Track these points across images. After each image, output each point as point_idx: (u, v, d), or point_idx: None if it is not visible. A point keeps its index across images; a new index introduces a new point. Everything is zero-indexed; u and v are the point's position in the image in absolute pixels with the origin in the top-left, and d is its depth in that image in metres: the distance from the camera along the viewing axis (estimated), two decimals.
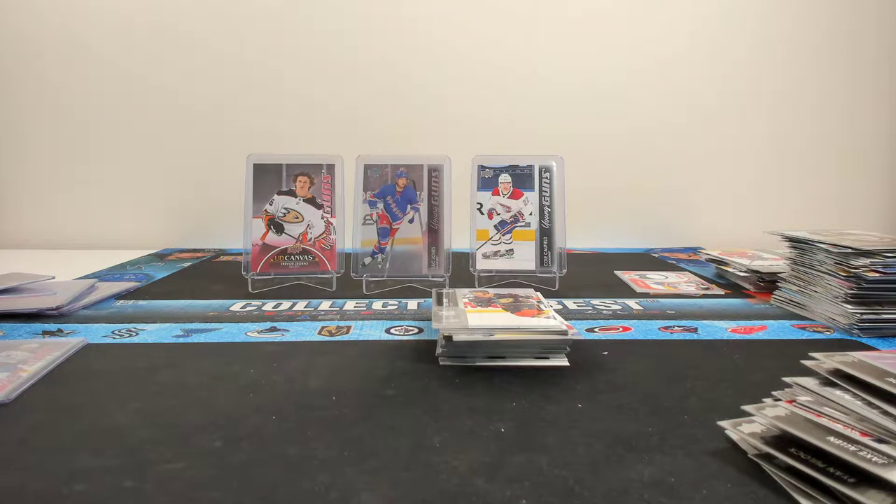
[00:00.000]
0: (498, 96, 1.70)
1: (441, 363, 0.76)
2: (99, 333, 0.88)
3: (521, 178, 1.17)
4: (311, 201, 1.15)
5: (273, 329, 0.91)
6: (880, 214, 1.79)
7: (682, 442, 0.56)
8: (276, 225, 1.14)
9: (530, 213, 1.17)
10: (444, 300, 0.89)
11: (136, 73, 1.65)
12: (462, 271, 1.17)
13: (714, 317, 0.99)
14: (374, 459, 0.53)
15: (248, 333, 0.89)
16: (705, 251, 1.40)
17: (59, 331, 0.89)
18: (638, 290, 1.18)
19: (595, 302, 1.09)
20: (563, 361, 0.76)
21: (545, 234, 1.16)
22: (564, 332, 0.75)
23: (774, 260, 1.22)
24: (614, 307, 1.05)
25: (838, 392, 0.52)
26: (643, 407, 0.64)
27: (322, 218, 1.15)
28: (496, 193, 1.17)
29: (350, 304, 1.06)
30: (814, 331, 0.92)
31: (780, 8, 1.70)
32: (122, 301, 1.08)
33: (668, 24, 1.69)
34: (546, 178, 1.17)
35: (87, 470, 0.51)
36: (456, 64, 1.69)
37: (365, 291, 1.13)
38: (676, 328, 0.93)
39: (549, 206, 1.17)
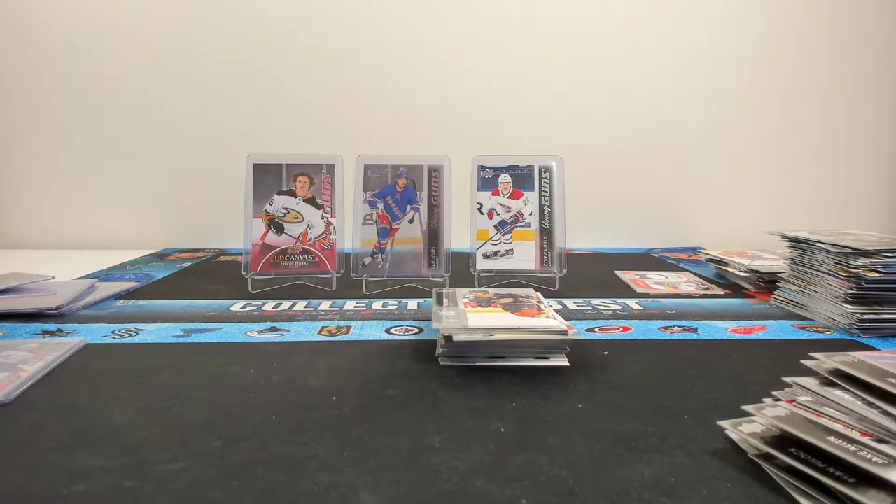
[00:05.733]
0: (499, 96, 1.70)
1: (441, 363, 0.76)
2: (99, 333, 0.88)
3: (521, 178, 1.17)
4: (311, 201, 1.15)
5: (273, 329, 0.91)
6: (880, 214, 1.79)
7: (682, 442, 0.56)
8: (276, 225, 1.14)
9: (530, 213, 1.17)
10: (444, 300, 0.89)
11: (137, 73, 1.65)
12: (462, 271, 1.17)
13: (714, 317, 0.99)
14: (374, 459, 0.53)
15: (248, 333, 0.89)
16: (705, 251, 1.40)
17: (59, 331, 0.89)
18: (638, 290, 1.18)
19: (595, 302, 1.09)
20: (563, 361, 0.76)
21: (545, 234, 1.16)
22: (564, 332, 0.75)
23: (774, 260, 1.22)
24: (614, 307, 1.05)
25: (838, 392, 0.52)
26: (643, 407, 0.64)
27: (322, 218, 1.15)
28: (496, 193, 1.17)
29: (350, 304, 1.06)
30: (814, 331, 0.92)
31: (781, 9, 1.70)
32: (122, 301, 1.08)
33: (669, 26, 1.69)
34: (546, 178, 1.17)
35: (87, 470, 0.51)
36: (456, 64, 1.69)
37: (365, 291, 1.13)
38: (676, 328, 0.93)
39: (549, 206, 1.17)
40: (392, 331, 0.91)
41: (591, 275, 1.33)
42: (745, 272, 1.20)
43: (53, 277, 1.14)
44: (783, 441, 0.50)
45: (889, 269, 0.88)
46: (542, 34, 1.69)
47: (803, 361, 0.57)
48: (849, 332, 0.90)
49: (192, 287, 1.20)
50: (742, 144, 1.75)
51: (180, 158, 1.69)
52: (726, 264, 1.26)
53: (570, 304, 1.07)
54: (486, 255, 1.16)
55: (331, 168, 1.16)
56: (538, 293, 0.93)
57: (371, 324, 0.94)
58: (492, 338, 0.75)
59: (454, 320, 0.78)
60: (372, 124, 1.69)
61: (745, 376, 0.72)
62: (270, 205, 1.14)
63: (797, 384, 0.55)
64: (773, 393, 0.57)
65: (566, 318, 0.86)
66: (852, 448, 0.45)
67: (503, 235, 1.16)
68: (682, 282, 1.25)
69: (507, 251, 1.16)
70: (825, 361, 0.55)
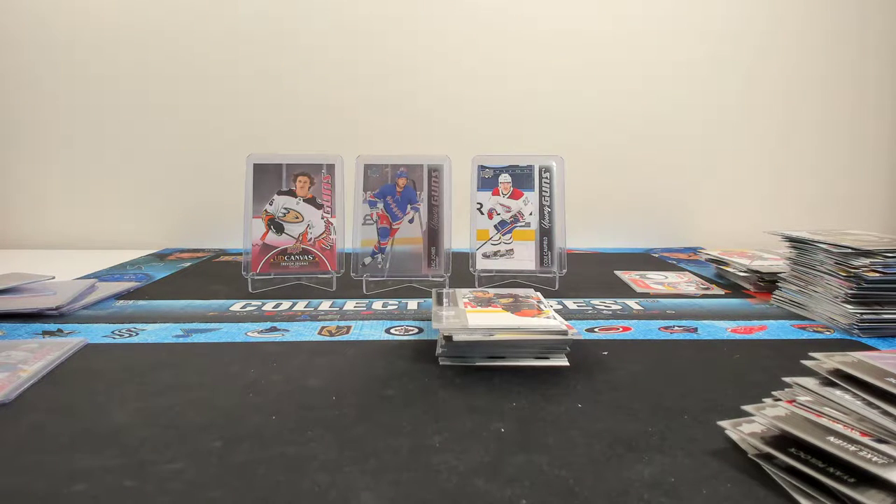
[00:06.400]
0: (499, 96, 1.70)
1: (441, 363, 0.76)
2: (99, 333, 0.88)
3: (521, 178, 1.17)
4: (311, 201, 1.15)
5: (273, 329, 0.91)
6: (880, 214, 1.79)
7: (682, 442, 0.56)
8: (276, 225, 1.14)
9: (530, 213, 1.17)
10: (444, 300, 0.89)
11: (136, 74, 1.65)
12: (462, 271, 1.17)
13: (714, 317, 0.99)
14: (374, 459, 0.53)
15: (248, 333, 0.89)
16: (705, 251, 1.40)
17: (59, 331, 0.89)
18: (638, 290, 1.18)
19: (595, 302, 1.09)
20: (563, 361, 0.76)
21: (545, 234, 1.16)
22: (564, 332, 0.75)
23: (774, 260, 1.22)
24: (614, 307, 1.05)
25: (838, 392, 0.52)
26: (643, 407, 0.64)
27: (322, 218, 1.15)
28: (496, 193, 1.17)
29: (350, 304, 1.06)
30: (814, 331, 0.92)
31: (782, 9, 1.70)
32: (122, 301, 1.08)
33: (669, 26, 1.69)
34: (546, 178, 1.17)
35: (87, 470, 0.51)
36: (456, 64, 1.69)
37: (365, 291, 1.13)
38: (676, 328, 0.93)
39: (549, 206, 1.17)
40: (392, 331, 0.91)
41: (591, 275, 1.33)
42: (745, 272, 1.20)
43: (53, 277, 1.14)
44: (783, 441, 0.50)
45: (889, 269, 0.88)
46: (543, 34, 1.69)
47: (803, 361, 0.57)
48: (849, 332, 0.90)
49: (192, 287, 1.20)
50: (742, 144, 1.75)
51: (180, 158, 1.69)
52: (726, 264, 1.26)
53: (570, 304, 1.07)
54: (486, 255, 1.16)
55: (331, 168, 1.16)
56: (538, 293, 0.93)
57: (371, 324, 0.94)
58: (492, 338, 0.75)
59: (454, 320, 0.78)
60: (372, 124, 1.69)
61: (745, 376, 0.72)
62: (270, 205, 1.14)
63: (797, 384, 0.55)
64: (773, 393, 0.57)
65: (566, 318, 0.85)
66: (852, 448, 0.45)
67: (503, 235, 1.16)
68: (682, 282, 1.25)
69: (507, 251, 1.16)
70: (825, 361, 0.55)
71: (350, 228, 1.15)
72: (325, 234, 1.15)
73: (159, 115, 1.67)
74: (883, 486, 0.43)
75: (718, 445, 0.55)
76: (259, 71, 1.67)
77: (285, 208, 1.14)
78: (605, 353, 0.81)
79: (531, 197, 1.17)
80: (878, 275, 0.88)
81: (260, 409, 0.63)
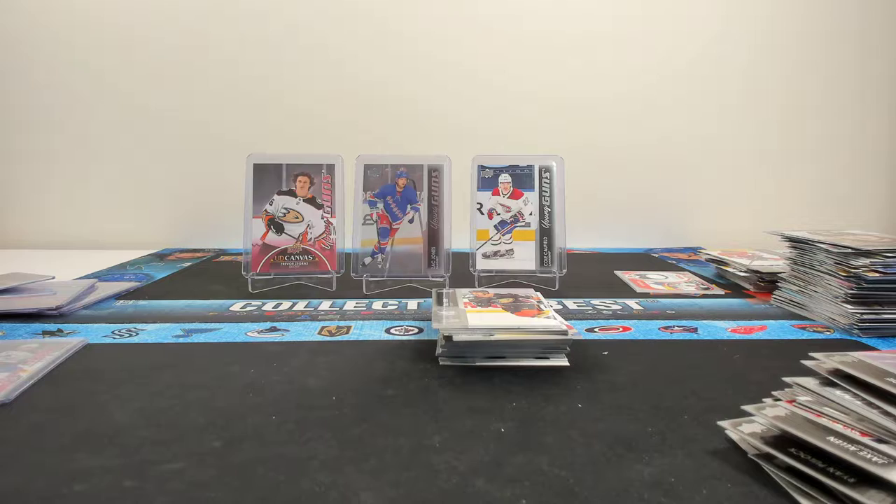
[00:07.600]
0: (499, 97, 1.70)
1: (441, 363, 0.76)
2: (99, 333, 0.88)
3: (521, 178, 1.17)
4: (311, 201, 1.15)
5: (273, 329, 0.91)
6: (880, 214, 1.79)
7: (682, 442, 0.56)
8: (276, 225, 1.14)
9: (530, 213, 1.17)
10: (444, 300, 0.89)
11: (137, 74, 1.65)
12: (462, 271, 1.17)
13: (714, 317, 0.99)
14: (374, 459, 0.53)
15: (248, 333, 0.89)
16: (705, 251, 1.40)
17: (59, 331, 0.89)
18: (638, 290, 1.18)
19: (595, 302, 1.09)
20: (563, 361, 0.76)
21: (545, 234, 1.16)
22: (564, 332, 0.75)
23: (774, 260, 1.22)
24: (614, 307, 1.05)
25: (838, 392, 0.52)
26: (643, 407, 0.64)
27: (322, 218, 1.15)
28: (496, 193, 1.17)
29: (350, 304, 1.06)
30: (814, 331, 0.92)
31: (783, 9, 1.70)
32: (122, 301, 1.08)
33: (669, 26, 1.69)
34: (546, 178, 1.17)
35: (87, 470, 0.51)
36: (456, 64, 1.69)
37: (365, 291, 1.13)
38: (676, 328, 0.93)
39: (549, 206, 1.17)
40: (392, 331, 0.91)
41: (591, 275, 1.33)
42: (745, 272, 1.20)
43: (53, 277, 1.14)
44: (783, 441, 0.50)
45: (889, 269, 0.88)
46: (543, 34, 1.69)
47: (803, 361, 0.57)
48: (849, 332, 0.90)
49: (192, 287, 1.20)
50: (742, 144, 1.75)
51: (180, 158, 1.69)
52: (726, 264, 1.26)
53: (570, 304, 1.07)
54: (486, 255, 1.16)
55: (331, 168, 1.16)
56: (538, 293, 0.93)
57: (371, 324, 0.94)
58: (492, 338, 0.75)
59: (454, 320, 0.78)
60: (372, 124, 1.69)
61: (745, 376, 0.72)
62: (270, 205, 1.14)
63: (797, 384, 0.55)
64: (773, 393, 0.57)
65: (566, 318, 0.85)
66: (852, 448, 0.45)
67: (503, 235, 1.16)
68: (682, 282, 1.25)
69: (507, 251, 1.16)
70: (825, 361, 0.55)
71: (350, 228, 1.15)
72: (325, 234, 1.15)
73: (159, 114, 1.67)
74: (883, 486, 0.43)
75: (718, 445, 0.55)
76: (259, 71, 1.67)
77: (285, 208, 1.14)
78: (605, 353, 0.81)
79: (531, 197, 1.17)
80: (878, 275, 0.88)
81: (260, 409, 0.63)
